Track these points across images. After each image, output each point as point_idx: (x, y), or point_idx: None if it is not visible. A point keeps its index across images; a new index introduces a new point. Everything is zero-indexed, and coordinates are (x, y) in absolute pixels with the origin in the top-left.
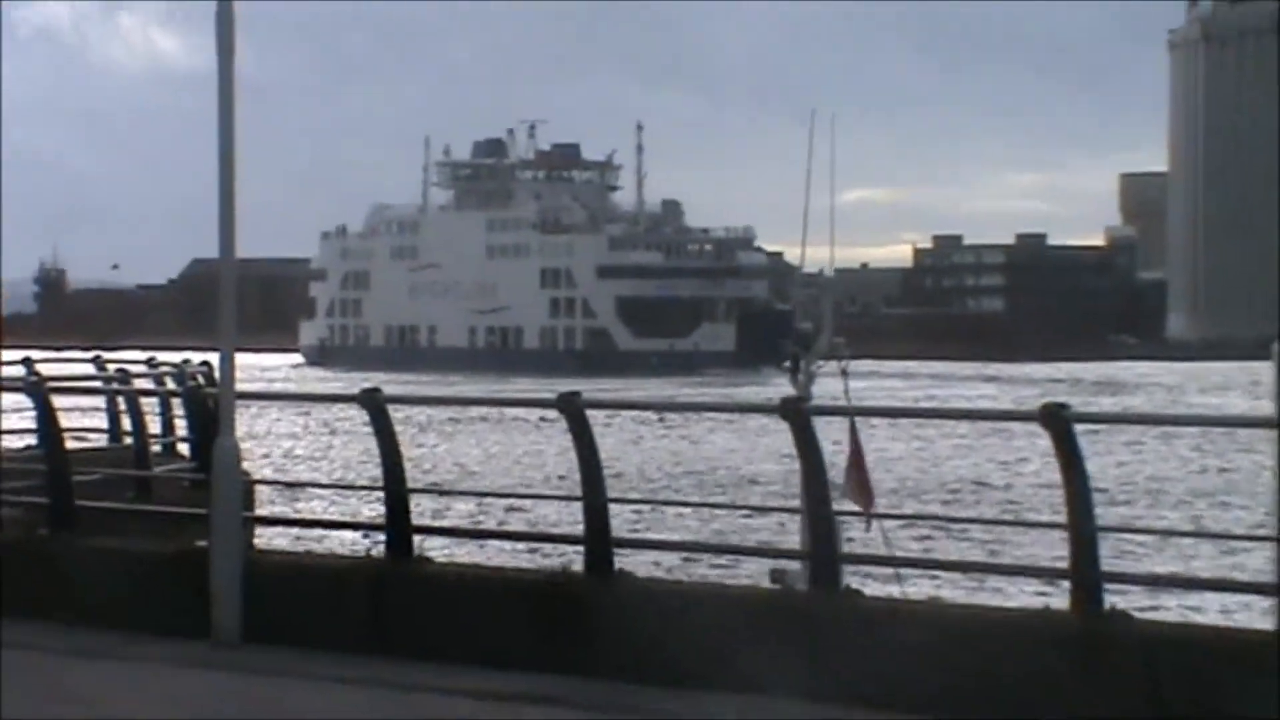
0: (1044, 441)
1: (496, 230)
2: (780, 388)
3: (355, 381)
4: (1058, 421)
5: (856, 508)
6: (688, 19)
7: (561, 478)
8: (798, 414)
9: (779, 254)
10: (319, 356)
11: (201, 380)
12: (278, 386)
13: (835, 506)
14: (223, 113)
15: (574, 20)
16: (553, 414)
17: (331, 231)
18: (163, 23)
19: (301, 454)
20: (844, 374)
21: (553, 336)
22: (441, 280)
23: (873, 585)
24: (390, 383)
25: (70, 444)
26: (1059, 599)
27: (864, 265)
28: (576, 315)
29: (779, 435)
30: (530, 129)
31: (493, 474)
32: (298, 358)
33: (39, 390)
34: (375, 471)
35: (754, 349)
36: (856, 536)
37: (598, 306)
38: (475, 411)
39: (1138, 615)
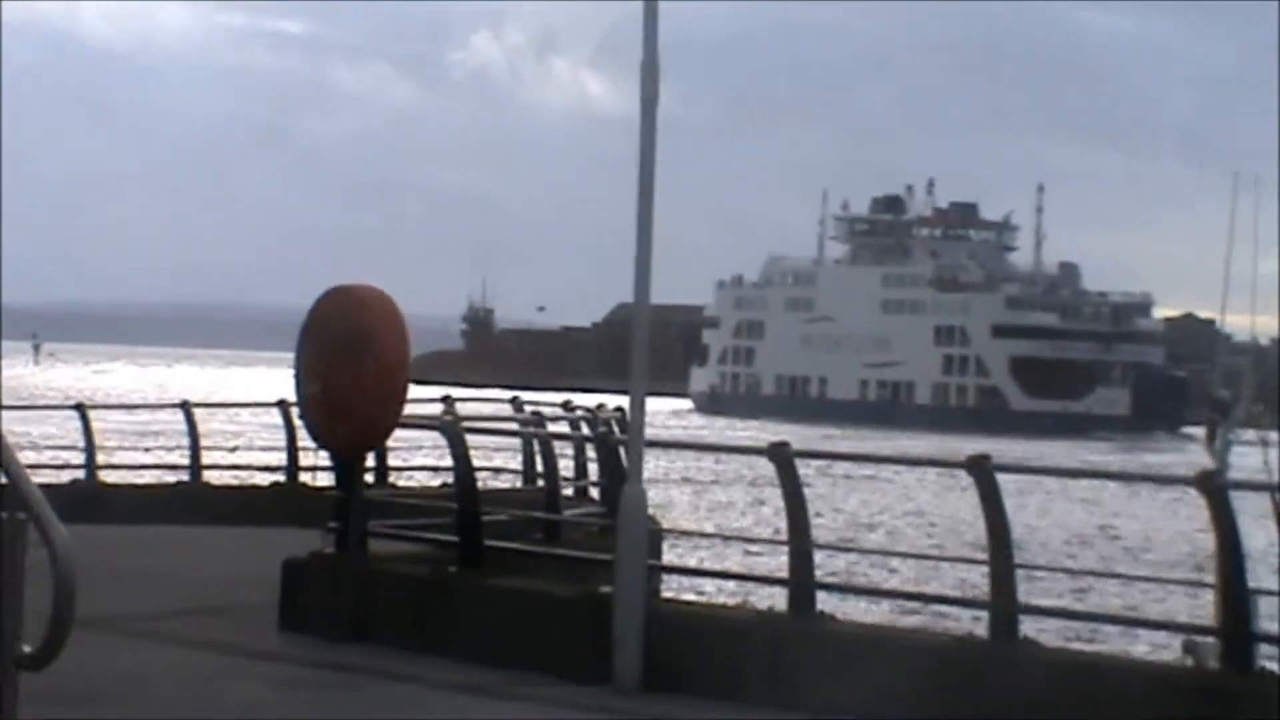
0: None
1: (892, 286)
2: (1178, 454)
3: (743, 429)
4: None
5: None
6: (1118, 77)
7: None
8: (1214, 489)
9: (1210, 321)
10: (709, 403)
11: (614, 425)
12: (660, 433)
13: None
14: (644, 166)
15: (990, 75)
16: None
17: (727, 281)
18: (593, 65)
19: (699, 503)
20: (1263, 444)
21: (944, 393)
22: (834, 333)
23: None
24: (779, 433)
25: (484, 483)
26: None
27: None
28: (969, 373)
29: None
30: (929, 186)
31: (894, 531)
32: (683, 403)
33: (454, 430)
34: (762, 517)
35: (1148, 414)
36: None
37: (991, 365)
38: (878, 467)
39: None
